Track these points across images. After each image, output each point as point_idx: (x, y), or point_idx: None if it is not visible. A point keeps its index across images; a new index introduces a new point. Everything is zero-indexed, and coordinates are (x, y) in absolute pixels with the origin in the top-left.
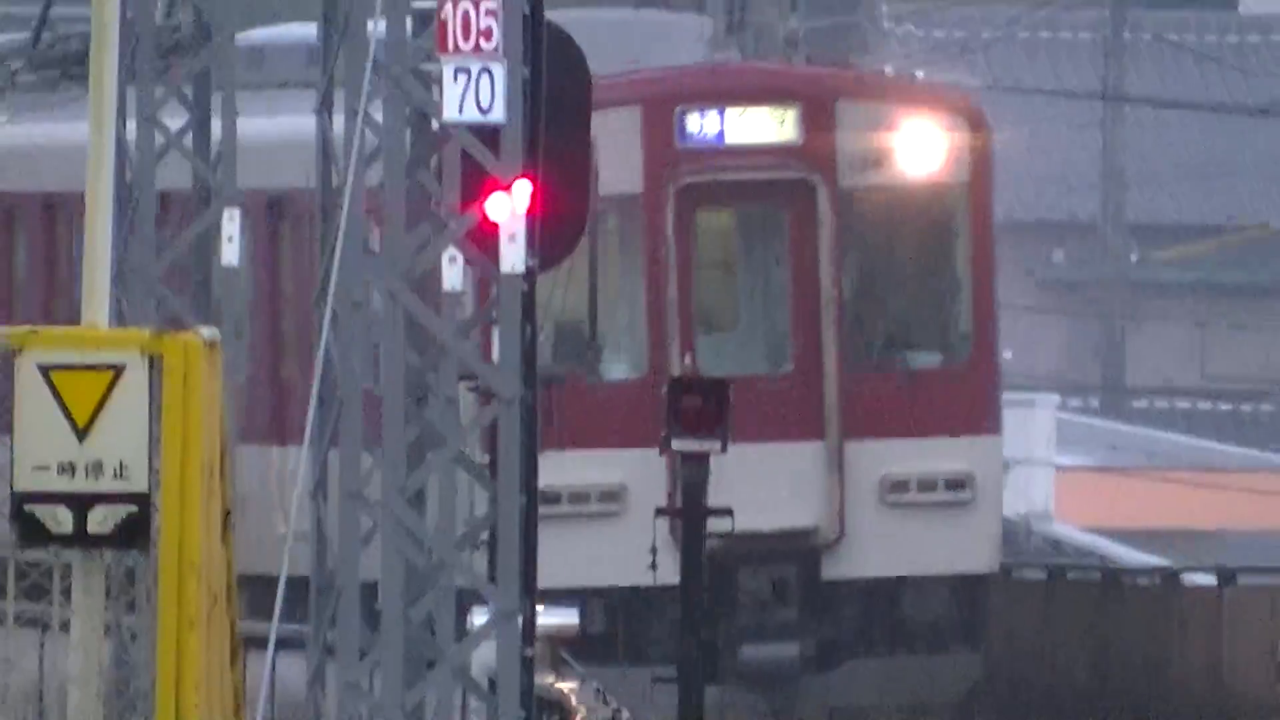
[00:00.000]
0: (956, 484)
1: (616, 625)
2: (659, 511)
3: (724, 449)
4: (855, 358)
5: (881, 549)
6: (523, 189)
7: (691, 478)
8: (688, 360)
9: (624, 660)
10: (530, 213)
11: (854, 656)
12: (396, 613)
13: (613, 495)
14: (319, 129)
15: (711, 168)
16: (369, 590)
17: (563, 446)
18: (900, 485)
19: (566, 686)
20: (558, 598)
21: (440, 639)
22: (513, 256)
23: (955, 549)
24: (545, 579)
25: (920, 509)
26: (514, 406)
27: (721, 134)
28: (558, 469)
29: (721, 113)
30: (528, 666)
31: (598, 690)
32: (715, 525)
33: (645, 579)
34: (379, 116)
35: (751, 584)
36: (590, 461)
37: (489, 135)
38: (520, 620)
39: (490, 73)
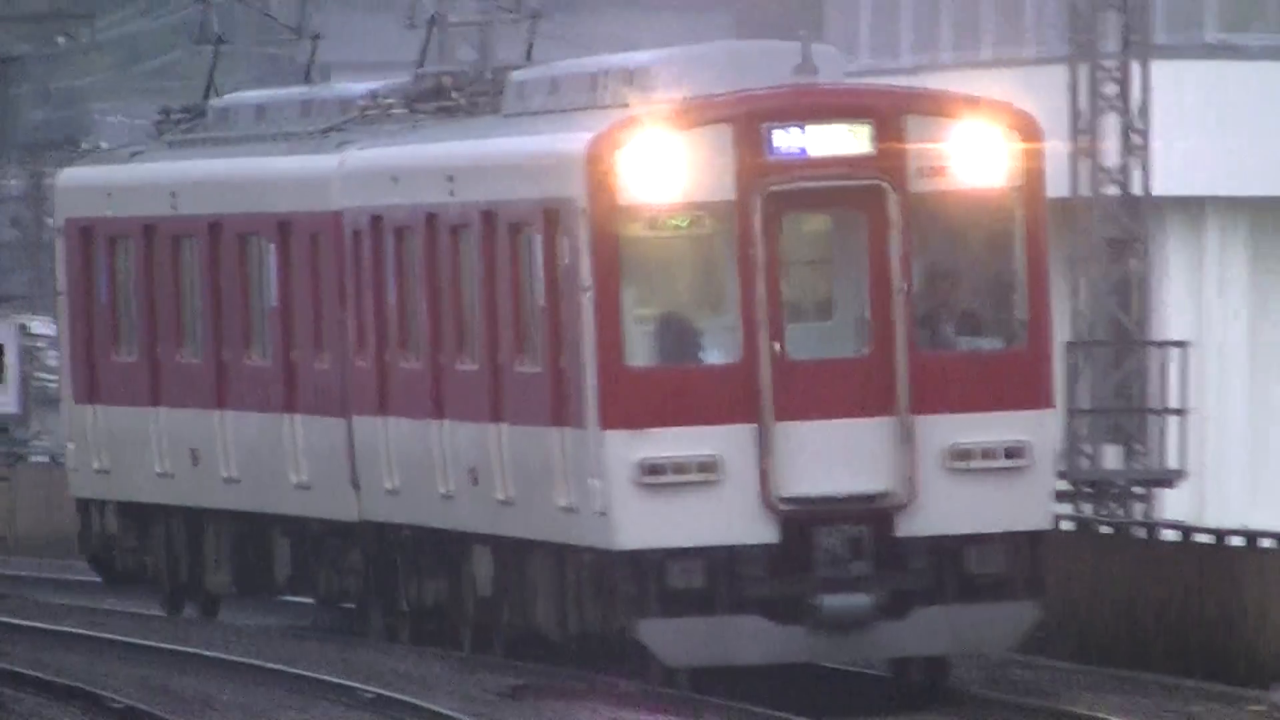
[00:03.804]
0: (1015, 452)
1: (716, 579)
2: None
3: None
4: (924, 342)
5: (948, 510)
6: None
7: None
8: (777, 348)
9: (721, 610)
10: None
11: (922, 605)
12: None
13: (710, 466)
14: None
15: (795, 177)
16: None
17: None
18: (964, 454)
19: None
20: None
21: None
22: None
23: (1014, 509)
24: (659, 537)
25: (982, 474)
26: None
27: (804, 147)
28: (665, 442)
29: (803, 128)
30: None
31: None
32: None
33: (741, 539)
34: None
35: (829, 542)
36: (690, 436)
37: None
38: None
39: None
